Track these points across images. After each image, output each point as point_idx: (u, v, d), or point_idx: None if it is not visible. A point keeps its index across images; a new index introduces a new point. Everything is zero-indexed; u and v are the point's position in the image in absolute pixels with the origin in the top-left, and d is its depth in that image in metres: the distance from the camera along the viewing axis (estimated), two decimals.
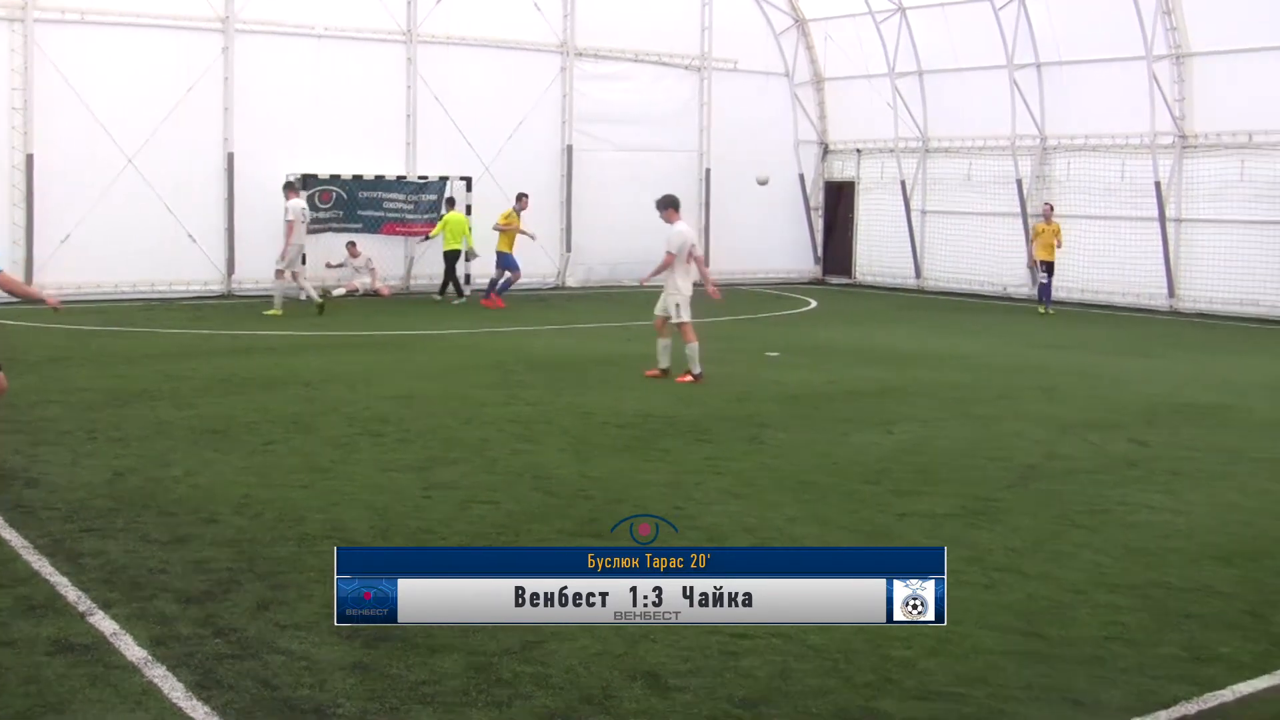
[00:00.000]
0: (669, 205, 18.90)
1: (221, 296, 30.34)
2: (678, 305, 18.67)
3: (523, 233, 30.51)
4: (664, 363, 18.82)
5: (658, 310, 18.97)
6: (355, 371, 19.02)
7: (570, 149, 35.32)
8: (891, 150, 38.45)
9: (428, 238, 31.92)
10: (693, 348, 18.62)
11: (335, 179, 31.47)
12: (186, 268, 30.21)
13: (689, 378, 18.47)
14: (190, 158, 29.99)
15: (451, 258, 30.97)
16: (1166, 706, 7.01)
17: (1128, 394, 18.49)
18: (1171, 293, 31.95)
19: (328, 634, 7.73)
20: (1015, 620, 8.26)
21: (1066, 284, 32.23)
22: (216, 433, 14.09)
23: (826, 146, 40.71)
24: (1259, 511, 11.57)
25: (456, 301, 30.72)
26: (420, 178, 32.83)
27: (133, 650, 7.44)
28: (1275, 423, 16.21)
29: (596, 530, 10.35)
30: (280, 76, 30.93)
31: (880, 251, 39.25)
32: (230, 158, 30.46)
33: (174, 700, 6.76)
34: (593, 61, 35.76)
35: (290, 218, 27.06)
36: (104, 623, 7.90)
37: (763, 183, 31.46)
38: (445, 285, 31.16)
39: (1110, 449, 14.30)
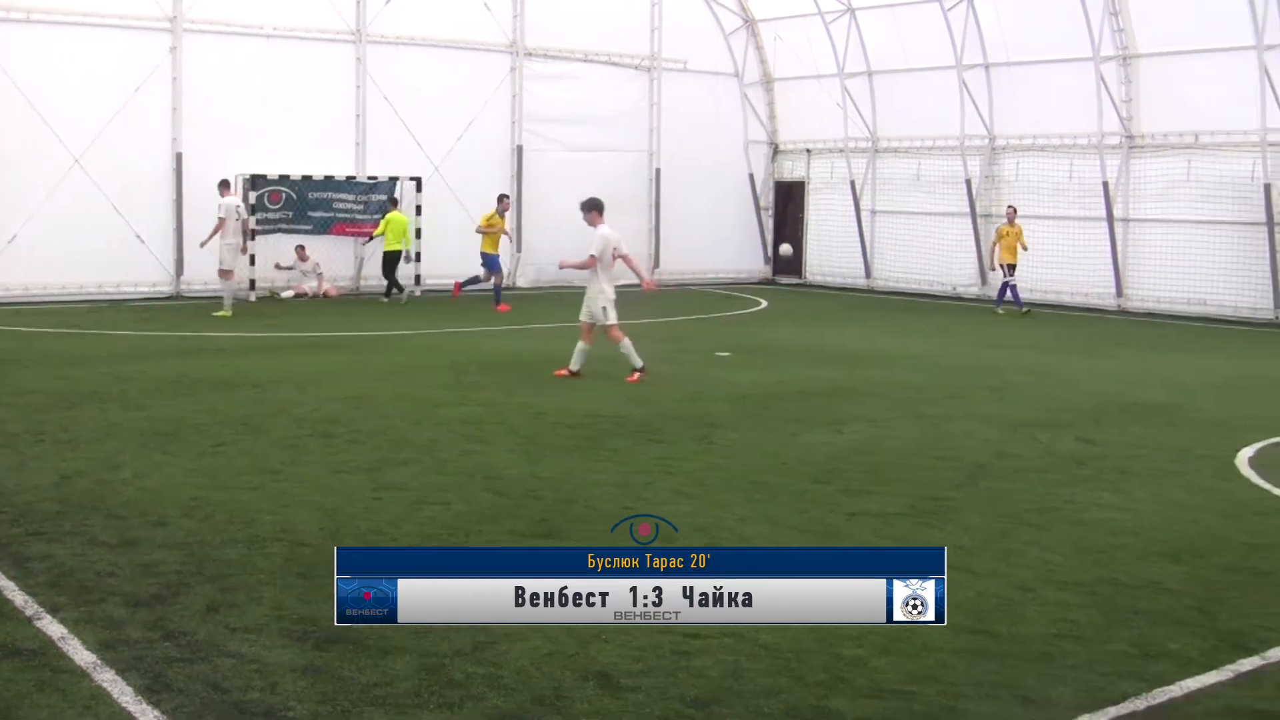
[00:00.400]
0: (592, 208, 18.91)
1: (170, 298, 30.14)
2: (604, 308, 18.69)
3: (504, 233, 30.56)
4: (575, 365, 18.82)
5: (582, 316, 18.96)
6: (305, 373, 18.95)
7: (520, 149, 35.26)
8: (841, 150, 38.55)
9: (371, 237, 31.76)
10: (625, 345, 18.66)
11: (285, 179, 31.35)
12: (135, 269, 30.00)
13: (636, 376, 18.51)
14: (138, 158, 29.79)
15: (392, 258, 30.98)
16: (1116, 703, 7.05)
17: (1076, 393, 18.61)
18: (1119, 292, 32.18)
19: (278, 636, 7.71)
20: (965, 618, 8.28)
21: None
22: (166, 435, 14.01)
23: (776, 146, 40.79)
24: (1205, 509, 11.66)
25: (403, 299, 30.69)
26: (370, 178, 32.72)
27: (81, 654, 7.38)
28: (1222, 421, 16.33)
29: (547, 530, 10.35)
30: (229, 76, 30.75)
31: (830, 251, 39.31)
32: (179, 158, 30.27)
33: (123, 704, 6.72)
34: (542, 61, 35.71)
35: (221, 215, 26.97)
36: (52, 626, 7.84)
37: (787, 256, 31.12)
38: (390, 287, 31.11)
39: (1059, 448, 14.39)
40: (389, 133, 32.84)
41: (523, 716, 6.74)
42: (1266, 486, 12.60)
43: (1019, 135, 34.15)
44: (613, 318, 18.75)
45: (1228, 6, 29.21)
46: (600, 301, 18.70)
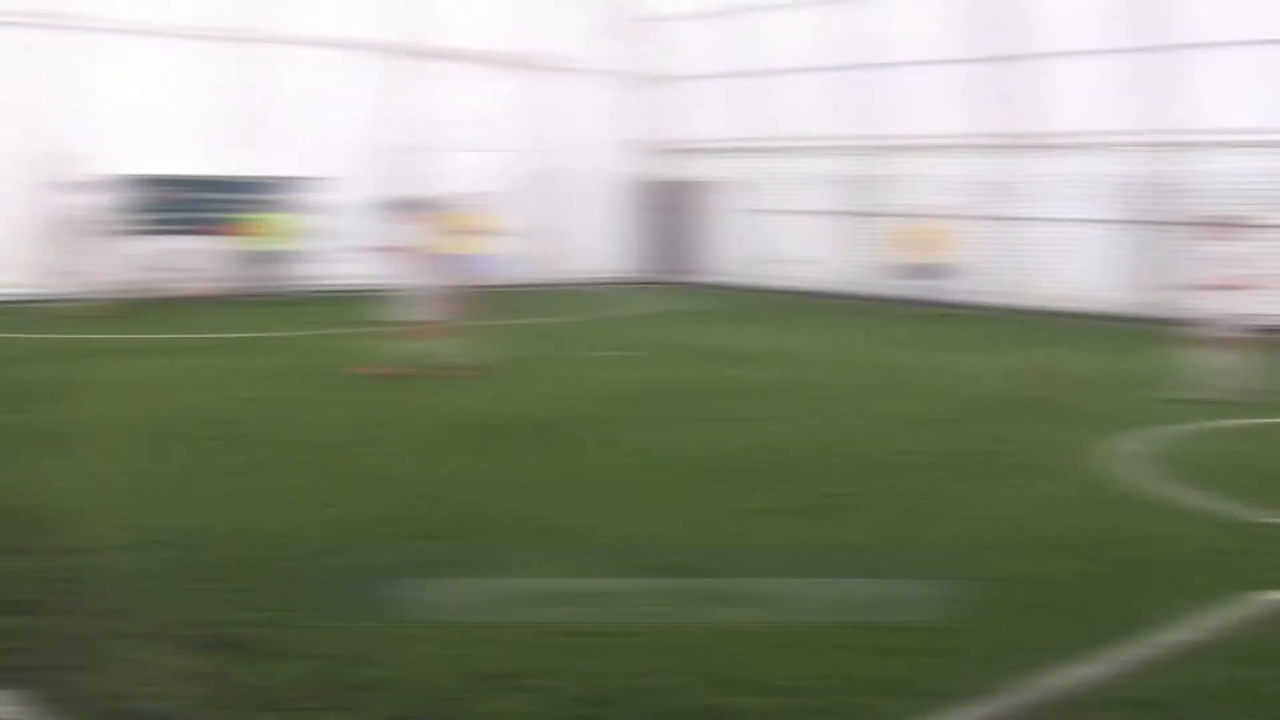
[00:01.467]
0: (414, 208, 18.91)
1: (51, 300, 29.56)
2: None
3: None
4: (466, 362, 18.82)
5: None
6: (193, 374, 18.74)
7: (402, 150, 34.96)
8: (728, 150, 38.66)
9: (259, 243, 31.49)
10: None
11: (170, 180, 30.92)
12: (14, 269, 29.46)
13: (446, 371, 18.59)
14: (18, 157, 29.27)
15: (266, 257, 30.93)
16: (1001, 695, 7.17)
17: (967, 390, 18.83)
18: (1009, 290, 32.50)
19: (169, 642, 7.63)
20: (857, 614, 8.36)
21: (913, 283, 32.51)
22: (50, 438, 13.80)
23: (661, 146, 40.79)
24: (1090, 501, 11.86)
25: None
26: (256, 179, 32.38)
27: None
28: (1107, 416, 16.57)
29: (438, 532, 10.29)
30: (114, 74, 30.27)
31: (719, 251, 39.42)
32: (61, 158, 29.73)
33: (9, 717, 6.62)
34: (424, 62, 35.50)
35: (73, 215, 26.92)
36: None
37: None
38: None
39: (949, 444, 14.56)
40: (274, 133, 32.49)
41: (416, 718, 6.73)
42: (1144, 479, 12.83)
43: (908, 135, 34.43)
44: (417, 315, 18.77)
45: (1110, 9, 29.64)
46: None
